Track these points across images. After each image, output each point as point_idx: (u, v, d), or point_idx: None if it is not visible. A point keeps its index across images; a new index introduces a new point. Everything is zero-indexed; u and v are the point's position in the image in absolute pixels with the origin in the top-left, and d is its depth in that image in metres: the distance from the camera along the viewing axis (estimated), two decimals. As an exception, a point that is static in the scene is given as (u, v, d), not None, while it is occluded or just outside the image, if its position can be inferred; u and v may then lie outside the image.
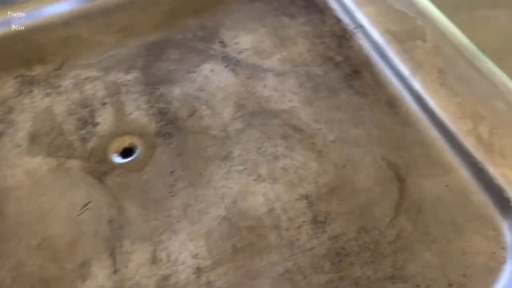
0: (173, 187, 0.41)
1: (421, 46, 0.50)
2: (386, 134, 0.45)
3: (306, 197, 0.41)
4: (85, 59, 0.51)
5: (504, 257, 0.37)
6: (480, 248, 0.37)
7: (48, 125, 0.46)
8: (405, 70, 0.48)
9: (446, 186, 0.41)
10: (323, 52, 0.52)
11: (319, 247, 0.38)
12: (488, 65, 0.47)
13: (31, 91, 0.48)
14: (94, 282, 0.36)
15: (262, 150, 0.44)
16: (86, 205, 0.40)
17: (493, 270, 0.36)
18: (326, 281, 0.36)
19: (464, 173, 0.42)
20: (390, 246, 0.38)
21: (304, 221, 0.39)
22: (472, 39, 0.49)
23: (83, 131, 0.45)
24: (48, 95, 0.48)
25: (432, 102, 0.45)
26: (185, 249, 0.38)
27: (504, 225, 0.38)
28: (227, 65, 0.50)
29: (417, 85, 0.47)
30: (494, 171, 0.40)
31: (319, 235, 0.38)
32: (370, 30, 0.52)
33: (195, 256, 0.37)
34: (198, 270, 0.37)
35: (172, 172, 0.42)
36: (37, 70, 0.50)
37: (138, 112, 0.47)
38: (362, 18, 0.54)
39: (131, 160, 0.43)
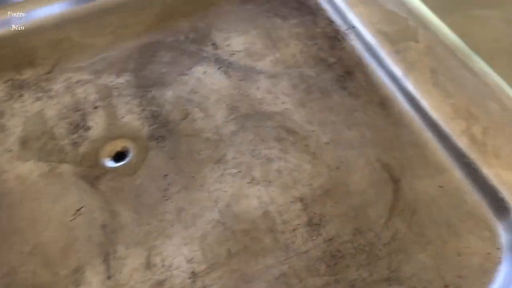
0: (167, 191, 0.41)
1: (414, 46, 0.50)
2: (380, 135, 0.45)
3: (301, 199, 0.40)
4: (76, 62, 0.51)
5: (499, 258, 0.37)
6: (475, 248, 0.37)
7: (39, 129, 0.45)
8: (397, 71, 0.48)
9: (440, 186, 0.41)
10: (316, 54, 0.51)
11: (315, 250, 0.38)
12: (481, 65, 0.47)
13: (21, 95, 0.48)
14: (87, 288, 0.36)
15: (255, 152, 0.44)
16: (78, 210, 0.40)
17: (488, 271, 0.36)
18: (322, 284, 0.36)
19: (458, 174, 0.42)
20: (385, 247, 0.38)
21: (299, 224, 0.39)
22: (464, 39, 0.49)
23: (75, 135, 0.45)
24: (39, 99, 0.47)
25: (425, 103, 0.45)
26: (179, 254, 0.38)
27: (498, 226, 0.38)
28: (220, 67, 0.50)
29: (410, 85, 0.47)
30: (488, 171, 0.40)
31: (314, 237, 0.38)
32: (362, 31, 0.52)
33: (189, 260, 0.37)
34: (193, 275, 0.36)
35: (165, 175, 0.42)
36: (28, 74, 0.49)
37: (130, 115, 0.46)
38: (354, 19, 0.54)
39: (123, 164, 0.43)
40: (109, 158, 0.43)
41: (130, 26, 0.54)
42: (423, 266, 0.37)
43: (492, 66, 0.47)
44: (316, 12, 0.56)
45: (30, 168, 0.43)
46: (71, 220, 0.39)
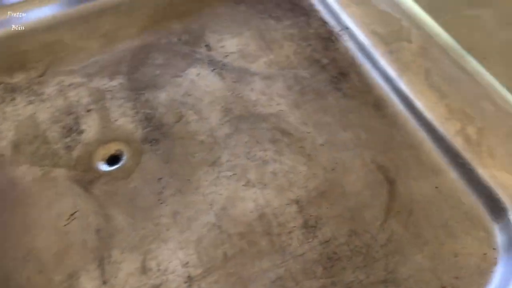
0: (161, 194, 0.41)
1: (407, 47, 0.50)
2: (375, 137, 0.45)
3: (296, 201, 0.40)
4: (68, 65, 0.50)
5: (496, 258, 0.37)
6: (472, 249, 0.37)
7: (31, 133, 0.45)
8: (391, 71, 0.48)
9: (436, 187, 0.41)
10: (310, 55, 0.51)
11: (311, 252, 0.38)
12: (474, 65, 0.47)
13: (13, 99, 0.47)
14: (82, 294, 0.36)
15: (250, 154, 0.43)
16: (72, 214, 0.40)
17: (484, 272, 0.36)
18: (318, 287, 0.36)
19: (453, 174, 0.42)
20: (381, 249, 0.38)
21: (295, 226, 0.39)
22: (457, 39, 0.49)
23: (68, 139, 0.44)
24: (31, 102, 0.47)
25: (419, 103, 0.45)
26: (175, 258, 0.37)
27: (494, 226, 0.38)
28: (214, 69, 0.50)
29: (404, 86, 0.47)
30: (483, 171, 0.40)
31: (310, 240, 0.38)
32: (355, 32, 0.52)
33: (185, 264, 0.37)
34: (189, 279, 0.36)
35: (160, 179, 0.42)
36: (19, 77, 0.49)
37: (123, 118, 0.46)
38: (347, 19, 0.54)
39: (117, 168, 0.43)
40: (103, 162, 0.43)
41: (122, 28, 0.53)
42: (420, 267, 0.37)
43: (485, 66, 0.47)
44: (309, 13, 0.56)
45: (23, 173, 0.42)
46: (65, 225, 0.39)
